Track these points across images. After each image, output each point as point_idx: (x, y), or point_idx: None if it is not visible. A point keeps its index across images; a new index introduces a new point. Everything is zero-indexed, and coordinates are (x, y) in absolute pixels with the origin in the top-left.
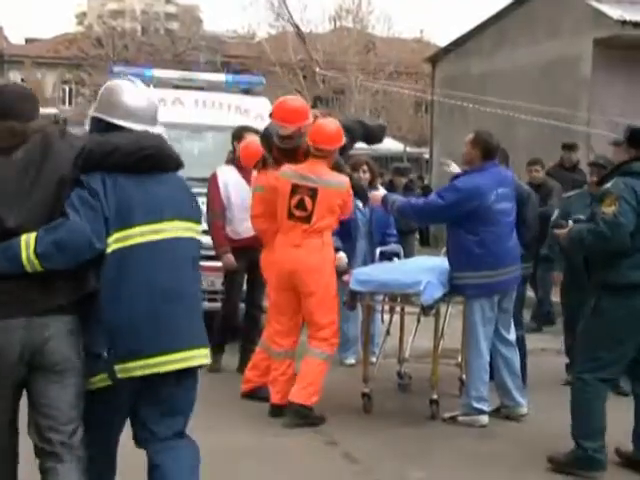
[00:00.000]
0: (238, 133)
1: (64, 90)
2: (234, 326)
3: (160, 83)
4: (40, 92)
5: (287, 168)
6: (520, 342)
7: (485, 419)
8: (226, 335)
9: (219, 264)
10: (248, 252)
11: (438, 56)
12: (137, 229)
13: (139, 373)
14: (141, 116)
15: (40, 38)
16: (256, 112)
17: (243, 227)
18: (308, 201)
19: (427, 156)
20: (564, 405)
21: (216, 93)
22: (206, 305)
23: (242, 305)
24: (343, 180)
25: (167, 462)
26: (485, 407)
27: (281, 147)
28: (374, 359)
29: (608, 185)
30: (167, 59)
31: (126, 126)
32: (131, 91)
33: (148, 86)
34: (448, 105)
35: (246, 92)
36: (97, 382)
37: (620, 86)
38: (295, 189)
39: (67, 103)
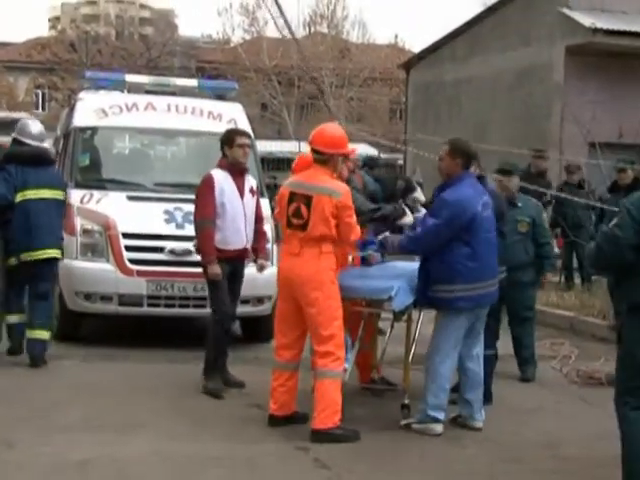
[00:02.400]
0: (229, 137)
1: (37, 94)
2: (229, 330)
3: (133, 88)
4: (12, 96)
5: (290, 177)
6: (488, 362)
7: (439, 428)
8: (221, 345)
9: (187, 269)
10: (233, 262)
11: (412, 62)
12: (29, 191)
13: (29, 258)
14: (36, 137)
15: (12, 42)
16: (229, 117)
17: (234, 238)
18: (304, 209)
19: (401, 162)
20: (536, 409)
21: (189, 98)
22: (191, 311)
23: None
24: (339, 189)
25: None
26: (441, 416)
27: None
28: (347, 365)
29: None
30: (141, 64)
31: (28, 142)
32: (32, 124)
33: (121, 91)
34: (422, 111)
35: (219, 97)
36: (11, 262)
37: (592, 93)
38: (292, 197)
39: (40, 108)
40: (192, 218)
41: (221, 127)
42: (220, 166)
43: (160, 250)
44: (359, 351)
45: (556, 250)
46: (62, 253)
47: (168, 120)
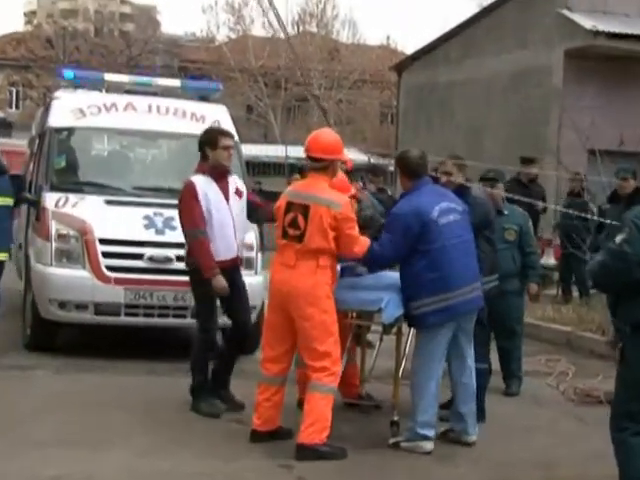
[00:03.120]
0: (212, 138)
1: (11, 92)
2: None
3: (112, 87)
4: None
5: (289, 187)
6: (481, 376)
7: (429, 446)
8: (204, 367)
9: (167, 277)
10: (227, 272)
11: (404, 64)
12: None
13: None
14: None
15: None
16: (213, 119)
17: (224, 247)
18: (301, 219)
19: (392, 168)
20: (531, 427)
21: (171, 99)
22: (171, 322)
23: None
24: (338, 200)
25: None
26: (430, 433)
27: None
28: None
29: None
30: (121, 62)
31: None
32: None
33: (100, 91)
34: (413, 115)
35: (203, 98)
36: None
37: (591, 98)
38: (289, 207)
39: (14, 106)
40: (173, 224)
41: (204, 129)
42: (201, 171)
43: (139, 257)
44: (346, 365)
45: (552, 261)
46: (10, 256)
47: (149, 121)
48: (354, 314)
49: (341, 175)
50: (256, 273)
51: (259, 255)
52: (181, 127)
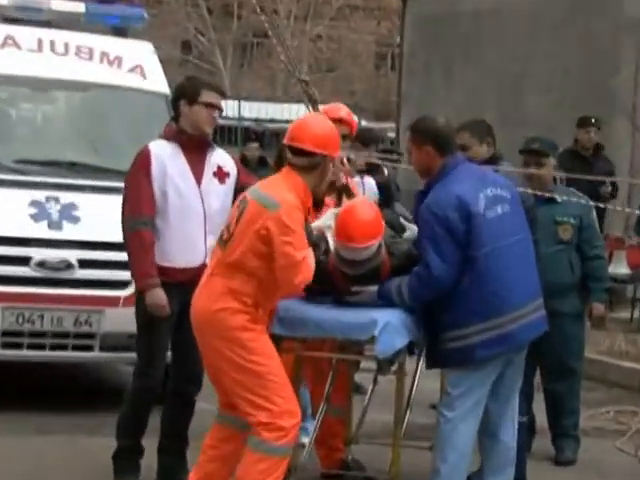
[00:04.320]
0: (192, 89)
1: None
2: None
3: None
4: None
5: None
6: (520, 434)
7: None
8: (134, 428)
9: (65, 291)
10: (184, 290)
11: None
12: None
13: None
14: None
15: None
16: (133, 62)
17: (184, 249)
18: (235, 218)
19: (392, 134)
20: None
21: (71, 32)
22: (71, 355)
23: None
24: (279, 199)
25: None
26: None
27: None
28: (305, 439)
29: None
30: None
31: None
32: None
33: None
34: (424, 58)
35: (118, 32)
36: None
37: None
38: (238, 204)
39: None
40: (75, 214)
41: (120, 77)
42: (165, 135)
43: (24, 262)
44: (325, 419)
45: (625, 270)
46: None
47: (39, 64)
48: (336, 344)
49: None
50: None
51: None
52: (87, 73)
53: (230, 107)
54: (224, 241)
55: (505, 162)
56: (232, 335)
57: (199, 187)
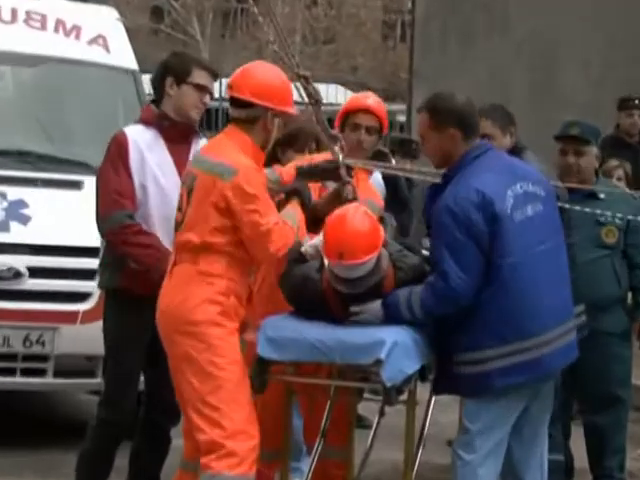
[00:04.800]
0: (180, 65)
1: None
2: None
3: None
4: None
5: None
6: (554, 474)
7: None
8: (96, 471)
9: (12, 305)
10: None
11: None
12: None
13: None
14: None
15: None
16: (94, 32)
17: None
18: (185, 196)
19: (403, 118)
20: None
21: None
22: (19, 382)
23: None
24: (235, 165)
25: None
26: None
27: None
28: None
29: None
30: None
31: None
32: None
33: None
34: (439, 24)
35: None
36: None
37: None
38: (183, 179)
39: None
40: (25, 212)
41: (79, 50)
42: (144, 120)
43: None
44: (321, 460)
45: None
46: None
47: None
48: (334, 368)
49: (366, 179)
50: None
51: None
52: (38, 45)
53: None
54: (178, 224)
55: (529, 152)
56: (197, 330)
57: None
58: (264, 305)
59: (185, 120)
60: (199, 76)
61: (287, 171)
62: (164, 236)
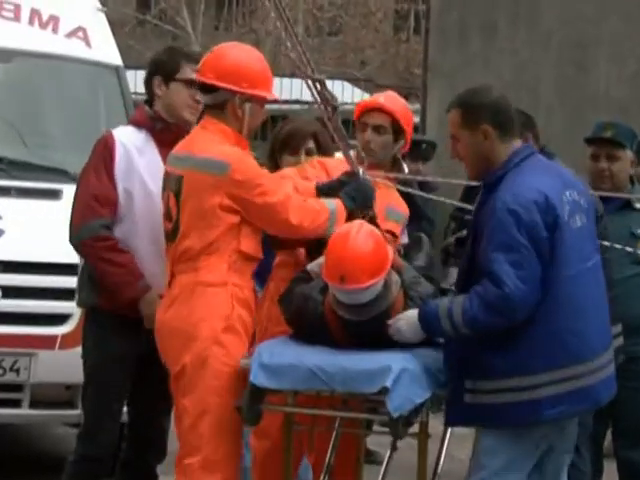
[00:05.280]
0: (169, 62)
1: None
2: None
3: None
4: None
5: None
6: None
7: None
8: None
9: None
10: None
11: None
12: None
13: None
14: None
15: None
16: (73, 24)
17: (152, 268)
18: (172, 201)
19: (416, 118)
20: None
21: None
22: None
23: None
24: (224, 158)
25: None
26: None
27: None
28: None
29: None
30: None
31: None
32: None
33: None
34: (457, 16)
35: None
36: None
37: None
38: (165, 183)
39: None
40: None
41: (56, 43)
42: (135, 121)
43: None
44: None
45: None
46: None
47: None
48: (338, 397)
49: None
50: None
51: None
52: (11, 38)
53: None
54: (171, 235)
55: (557, 159)
56: (199, 346)
57: None
58: (268, 305)
59: (178, 121)
60: (189, 71)
61: (308, 190)
62: (149, 244)
